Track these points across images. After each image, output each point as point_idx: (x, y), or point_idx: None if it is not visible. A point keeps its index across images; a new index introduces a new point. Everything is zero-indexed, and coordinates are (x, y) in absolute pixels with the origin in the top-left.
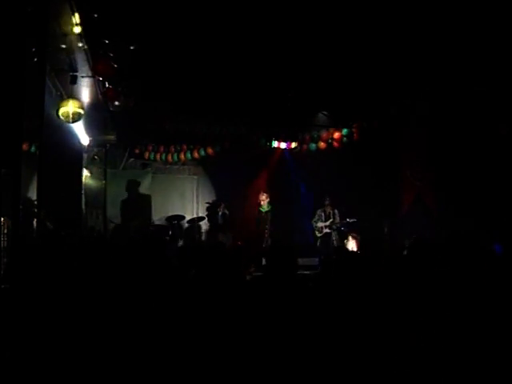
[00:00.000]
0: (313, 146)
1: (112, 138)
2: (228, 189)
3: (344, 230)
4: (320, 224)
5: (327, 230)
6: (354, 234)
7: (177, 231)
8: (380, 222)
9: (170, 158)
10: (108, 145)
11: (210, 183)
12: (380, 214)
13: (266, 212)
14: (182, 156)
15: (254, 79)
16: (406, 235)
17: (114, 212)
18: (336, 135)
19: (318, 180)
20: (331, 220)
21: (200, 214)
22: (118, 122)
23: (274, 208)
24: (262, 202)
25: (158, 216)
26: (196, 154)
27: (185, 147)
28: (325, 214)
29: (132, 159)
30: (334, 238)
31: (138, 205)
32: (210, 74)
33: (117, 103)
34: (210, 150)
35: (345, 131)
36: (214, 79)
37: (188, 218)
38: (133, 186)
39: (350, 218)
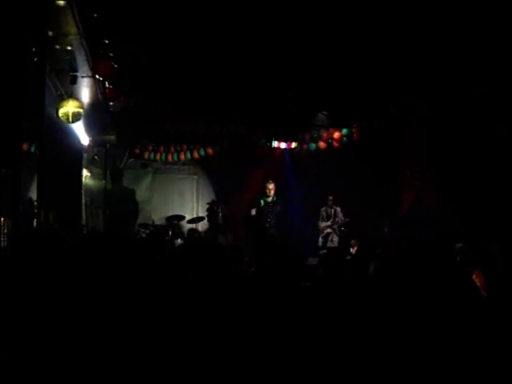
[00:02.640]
0: (313, 145)
1: (112, 137)
2: (228, 189)
3: (344, 231)
4: (322, 224)
5: (328, 230)
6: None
7: (177, 231)
8: (380, 221)
9: (169, 157)
10: (108, 145)
11: (210, 183)
12: (380, 214)
13: (267, 203)
14: (182, 156)
15: (253, 79)
16: (406, 235)
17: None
18: (336, 135)
19: (318, 180)
20: (331, 220)
21: (200, 214)
22: (118, 122)
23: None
24: (268, 192)
25: (158, 216)
26: (196, 154)
27: (185, 147)
28: (326, 213)
29: (132, 159)
30: (331, 239)
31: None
32: (210, 74)
33: (117, 103)
34: (209, 150)
35: (345, 131)
36: (214, 79)
37: (188, 217)
38: (134, 185)
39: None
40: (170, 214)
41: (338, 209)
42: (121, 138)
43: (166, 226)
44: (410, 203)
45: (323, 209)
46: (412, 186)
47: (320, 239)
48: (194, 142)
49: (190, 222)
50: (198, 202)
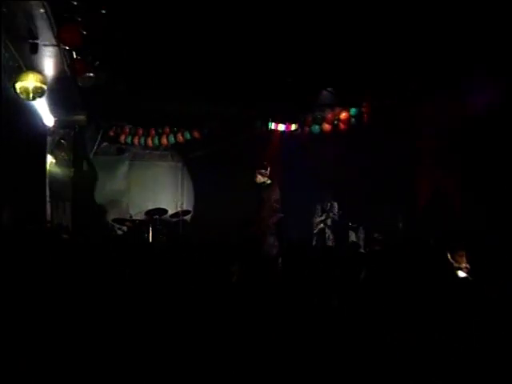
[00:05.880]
0: (316, 128)
1: (82, 118)
2: (218, 178)
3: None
4: (316, 219)
5: (321, 226)
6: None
7: (158, 227)
8: (394, 216)
9: (150, 142)
10: (77, 126)
11: (197, 171)
12: (394, 208)
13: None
14: (165, 140)
15: (248, 50)
16: (425, 233)
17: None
18: (343, 116)
19: (322, 168)
20: (325, 214)
21: (185, 208)
22: (89, 100)
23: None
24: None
25: (137, 210)
26: (181, 138)
27: (167, 130)
28: (321, 207)
29: (105, 143)
30: (328, 237)
31: (113, 197)
32: (197, 45)
33: (87, 77)
34: (196, 134)
35: (353, 111)
36: (202, 50)
37: (171, 211)
38: (107, 174)
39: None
40: (151, 207)
41: (335, 204)
42: (92, 118)
43: (145, 222)
44: (428, 195)
45: (320, 203)
46: (432, 177)
47: (314, 237)
48: (178, 124)
49: (173, 216)
50: (182, 194)
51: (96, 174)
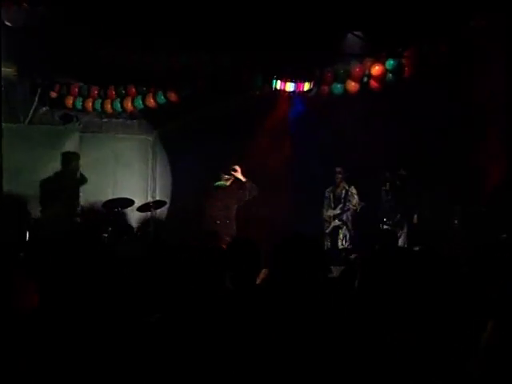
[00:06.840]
0: (338, 87)
1: (10, 71)
2: (202, 156)
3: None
4: (328, 213)
5: (336, 222)
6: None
7: (121, 223)
8: (448, 209)
9: (108, 106)
10: (3, 83)
11: (175, 148)
12: (448, 198)
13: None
14: (129, 104)
15: None
16: (489, 232)
17: (16, 192)
18: (375, 70)
19: (345, 141)
20: (341, 206)
21: (158, 197)
22: (21, 46)
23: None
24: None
25: (91, 199)
26: (152, 101)
27: (133, 90)
28: (334, 195)
29: (45, 108)
30: (342, 236)
31: (57, 182)
32: None
33: (16, 13)
34: (173, 95)
35: (390, 63)
36: None
37: (139, 202)
38: (48, 151)
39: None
40: (110, 197)
41: (353, 189)
42: (25, 72)
43: (102, 217)
44: (497, 181)
45: (329, 189)
46: (502, 154)
47: (327, 238)
48: (148, 82)
49: (142, 209)
50: (154, 178)
51: (32, 150)
